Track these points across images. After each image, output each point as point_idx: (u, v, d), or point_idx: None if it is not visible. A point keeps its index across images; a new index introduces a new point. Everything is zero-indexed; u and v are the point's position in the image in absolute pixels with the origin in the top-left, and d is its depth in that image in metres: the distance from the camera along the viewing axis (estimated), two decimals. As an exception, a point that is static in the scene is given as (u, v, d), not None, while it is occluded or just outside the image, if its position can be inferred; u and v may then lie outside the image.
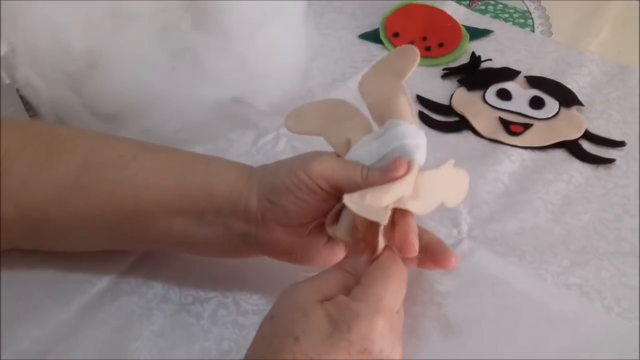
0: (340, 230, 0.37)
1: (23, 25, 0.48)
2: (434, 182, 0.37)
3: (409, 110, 0.38)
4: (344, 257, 0.37)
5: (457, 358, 0.40)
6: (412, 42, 0.65)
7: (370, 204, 0.34)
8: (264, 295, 0.43)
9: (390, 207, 0.35)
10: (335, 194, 0.37)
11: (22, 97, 0.50)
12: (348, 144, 0.38)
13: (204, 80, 0.52)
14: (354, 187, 0.36)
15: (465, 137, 0.56)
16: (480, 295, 0.43)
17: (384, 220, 0.33)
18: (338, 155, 0.39)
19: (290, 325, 0.32)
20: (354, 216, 0.36)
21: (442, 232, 0.47)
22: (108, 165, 0.40)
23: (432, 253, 0.38)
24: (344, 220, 0.37)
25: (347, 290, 0.34)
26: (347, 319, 0.32)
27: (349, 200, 0.33)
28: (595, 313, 0.43)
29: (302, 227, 0.38)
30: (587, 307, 0.43)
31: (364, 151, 0.37)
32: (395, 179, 0.35)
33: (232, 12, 0.51)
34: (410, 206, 0.35)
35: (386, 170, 0.35)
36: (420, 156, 0.37)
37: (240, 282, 0.44)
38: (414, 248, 0.35)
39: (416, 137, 0.37)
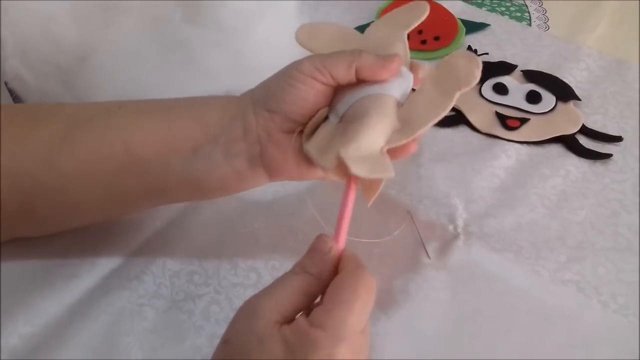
0: (312, 146, 0.37)
1: (12, 17, 0.47)
2: (419, 103, 0.38)
3: (403, 54, 0.39)
4: (307, 255, 0.34)
5: (453, 354, 0.40)
6: (407, 36, 0.64)
7: (367, 153, 0.34)
8: (256, 291, 0.43)
9: (385, 149, 0.35)
10: (330, 83, 0.37)
11: (10, 91, 0.49)
12: None
13: (197, 74, 0.51)
14: (345, 68, 0.37)
15: (461, 131, 0.56)
16: (476, 291, 0.43)
17: (391, 173, 0.34)
18: None
19: (246, 352, 0.30)
20: (331, 140, 0.37)
21: (438, 228, 0.47)
22: (93, 119, 0.39)
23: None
24: (318, 137, 0.37)
25: (310, 298, 0.33)
26: (305, 349, 0.30)
27: (345, 153, 0.34)
28: (592, 309, 0.43)
29: None
30: (584, 303, 0.43)
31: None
32: (385, 71, 0.37)
33: (227, 5, 0.51)
34: (403, 139, 0.36)
35: (380, 59, 0.37)
36: (403, 94, 0.38)
37: (233, 278, 0.43)
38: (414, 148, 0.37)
39: (405, 79, 0.38)
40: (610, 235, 0.47)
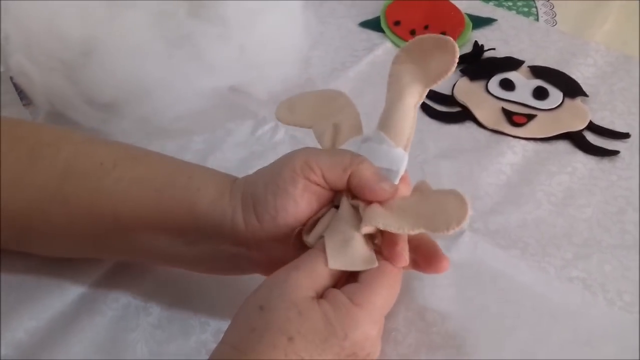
0: (313, 237, 0.35)
1: (17, 12, 0.47)
2: (409, 207, 0.34)
3: (408, 133, 0.35)
4: None
5: (459, 351, 0.40)
6: (413, 31, 0.64)
7: (350, 250, 0.33)
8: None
9: (364, 231, 0.33)
10: (322, 185, 0.35)
11: (16, 86, 0.49)
12: (333, 138, 0.37)
13: (201, 69, 0.51)
14: (340, 174, 0.34)
15: (468, 127, 0.55)
16: (481, 288, 0.43)
17: (372, 264, 0.33)
18: None
19: (285, 323, 0.31)
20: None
21: (443, 224, 0.47)
22: (88, 174, 0.38)
23: (423, 255, 0.36)
24: (320, 228, 0.35)
25: (336, 275, 0.33)
26: (345, 326, 0.31)
27: (332, 260, 0.33)
28: (598, 307, 0.42)
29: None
30: (590, 300, 0.43)
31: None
32: (377, 196, 0.34)
33: (231, 0, 0.51)
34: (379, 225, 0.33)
35: (378, 180, 0.34)
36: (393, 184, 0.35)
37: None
38: (404, 258, 0.34)
39: (399, 164, 0.35)
40: (617, 233, 0.47)
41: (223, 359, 0.31)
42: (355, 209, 0.35)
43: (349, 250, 0.33)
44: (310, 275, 0.33)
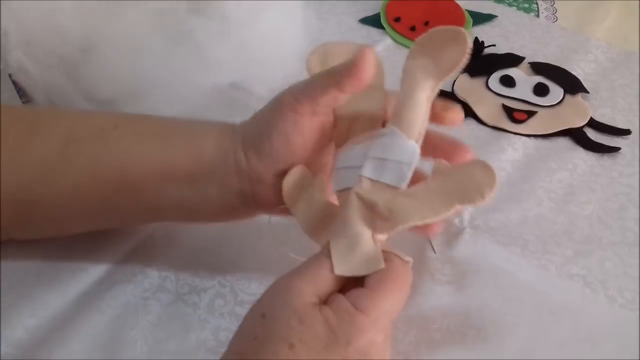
0: (302, 216, 0.36)
1: (16, 8, 0.47)
2: (413, 194, 0.34)
3: (420, 126, 0.35)
4: None
5: (459, 348, 0.40)
6: (413, 27, 0.64)
7: (355, 245, 0.33)
8: (261, 285, 0.43)
9: (378, 238, 0.33)
10: (314, 112, 0.35)
11: (15, 83, 0.49)
12: (350, 126, 0.37)
13: (201, 66, 0.51)
14: (322, 89, 0.34)
15: (468, 124, 0.55)
16: (482, 285, 0.43)
17: (378, 266, 0.32)
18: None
19: (286, 331, 0.30)
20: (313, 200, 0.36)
21: (443, 221, 0.46)
22: (90, 138, 0.39)
23: (444, 152, 0.36)
24: (309, 208, 0.36)
25: (341, 280, 0.33)
26: (348, 334, 0.30)
27: (332, 246, 0.33)
28: (598, 304, 0.42)
29: None
30: (590, 297, 0.43)
31: (359, 148, 0.36)
32: (361, 73, 0.33)
33: (231, -4, 0.50)
34: (384, 231, 0.33)
35: (351, 63, 0.33)
36: (400, 176, 0.34)
37: (238, 272, 0.43)
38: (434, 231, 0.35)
39: (411, 158, 0.34)
40: (618, 230, 0.47)
41: None
42: (369, 206, 0.34)
43: (356, 254, 0.33)
44: (313, 282, 0.32)
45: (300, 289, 0.32)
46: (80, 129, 0.39)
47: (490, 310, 0.41)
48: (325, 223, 0.36)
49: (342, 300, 0.31)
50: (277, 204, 0.37)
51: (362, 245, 0.33)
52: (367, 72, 0.34)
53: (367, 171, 0.35)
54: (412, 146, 0.34)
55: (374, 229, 0.33)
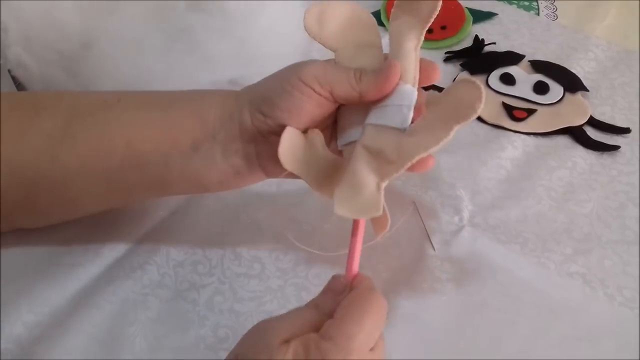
0: (308, 174, 0.36)
1: (15, 3, 0.46)
2: (414, 132, 0.35)
3: (413, 71, 0.37)
4: (321, 294, 0.34)
5: (458, 346, 0.40)
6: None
7: (360, 190, 0.33)
8: (260, 281, 0.43)
9: (382, 184, 0.34)
10: (328, 98, 0.36)
11: (14, 78, 0.49)
12: None
13: (200, 62, 0.51)
14: (347, 90, 0.36)
15: (468, 122, 0.55)
16: (481, 283, 0.43)
17: (377, 212, 0.33)
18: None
19: None
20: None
21: (443, 219, 0.47)
22: (93, 112, 0.39)
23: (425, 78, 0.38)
24: (315, 165, 0.36)
25: (319, 328, 0.32)
26: None
27: (336, 193, 0.34)
28: (598, 302, 0.42)
29: None
30: (590, 296, 0.43)
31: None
32: (389, 86, 0.36)
33: (231, -8, 0.50)
34: (394, 172, 0.34)
35: (380, 75, 0.36)
36: (403, 119, 0.36)
37: (237, 269, 0.43)
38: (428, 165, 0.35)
39: (409, 98, 0.36)
40: (617, 228, 0.47)
41: None
42: (375, 154, 0.35)
43: (358, 199, 0.34)
44: (290, 322, 0.32)
45: (276, 328, 0.31)
46: (84, 104, 0.39)
47: (490, 308, 0.41)
48: (333, 177, 0.36)
49: (311, 335, 0.31)
50: (279, 162, 0.37)
51: (365, 191, 0.34)
52: (393, 86, 0.36)
53: (371, 119, 0.36)
54: (409, 89, 0.36)
55: (380, 177, 0.34)
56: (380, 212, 0.33)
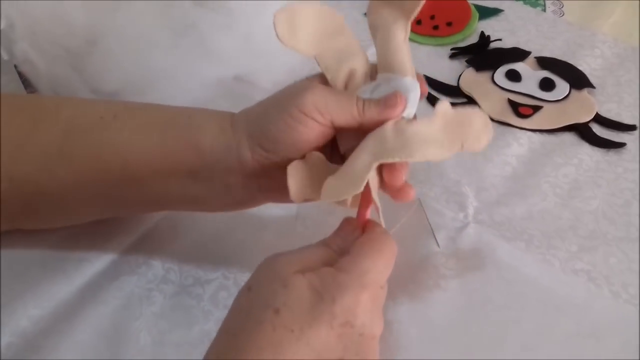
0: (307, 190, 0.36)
1: (22, -1, 0.47)
2: (425, 132, 0.35)
3: (408, 61, 0.37)
4: (332, 234, 0.36)
5: (462, 342, 0.39)
6: (419, 21, 0.63)
7: (345, 179, 0.34)
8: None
9: (374, 164, 0.34)
10: (329, 127, 0.36)
11: (20, 74, 0.49)
12: (346, 80, 0.38)
13: (206, 58, 0.51)
14: (349, 121, 0.35)
15: (473, 119, 0.55)
16: (486, 280, 0.43)
17: (356, 189, 0.33)
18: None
19: (270, 296, 0.31)
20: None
21: (448, 216, 0.46)
22: (90, 129, 0.38)
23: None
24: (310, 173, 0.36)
25: (331, 262, 0.33)
26: (331, 291, 0.31)
27: (324, 194, 0.34)
28: (603, 299, 0.42)
29: None
30: (595, 293, 0.42)
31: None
32: (393, 116, 0.35)
33: (236, -11, 0.50)
34: (396, 158, 0.34)
35: (384, 105, 0.35)
36: (411, 109, 0.36)
37: (242, 264, 0.43)
38: (409, 195, 0.35)
39: (412, 91, 0.36)
40: (623, 225, 0.47)
41: (218, 345, 0.32)
42: (379, 141, 0.35)
43: (344, 179, 0.34)
44: (300, 257, 0.33)
45: (286, 260, 0.32)
46: (80, 119, 0.39)
47: (494, 305, 0.41)
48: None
49: (325, 267, 0.32)
50: (283, 192, 0.36)
51: (352, 169, 0.34)
52: (397, 116, 0.35)
53: None
54: (409, 81, 0.36)
55: (375, 156, 0.34)
56: (361, 189, 0.33)
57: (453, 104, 0.55)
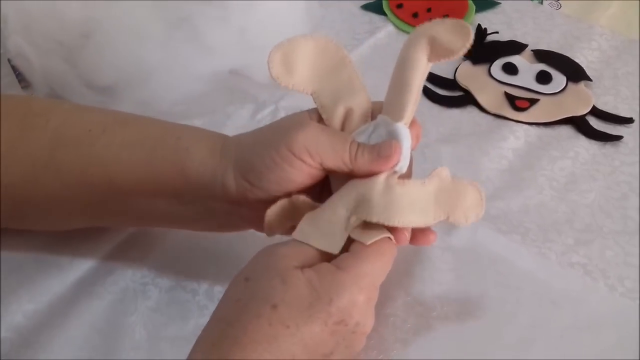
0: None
1: (15, -8, 0.46)
2: (413, 195, 0.33)
3: (411, 110, 0.34)
4: None
5: (458, 336, 0.39)
6: (416, 14, 0.63)
7: (322, 227, 0.33)
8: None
9: (353, 221, 0.33)
10: (318, 169, 0.34)
11: (14, 68, 0.49)
12: (343, 120, 0.36)
13: (201, 52, 0.51)
14: (340, 166, 0.34)
15: (470, 112, 0.55)
16: (482, 273, 0.43)
17: (332, 249, 0.33)
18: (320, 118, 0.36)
19: (268, 291, 0.31)
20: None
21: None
22: (78, 141, 0.38)
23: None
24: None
25: (324, 259, 0.33)
26: (329, 291, 0.31)
27: (297, 234, 0.33)
28: (599, 292, 0.42)
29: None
30: (591, 286, 0.42)
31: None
32: (386, 167, 0.33)
33: (231, -18, 0.50)
34: (374, 219, 0.33)
35: (377, 154, 0.33)
36: (404, 161, 0.34)
37: (237, 258, 0.43)
38: (427, 240, 0.35)
39: (405, 139, 0.34)
40: (619, 219, 0.47)
41: (211, 332, 0.31)
42: (361, 199, 0.33)
43: (321, 226, 0.33)
44: (298, 250, 0.33)
45: (285, 254, 0.32)
46: (69, 130, 0.38)
47: (490, 299, 0.41)
48: None
49: (324, 264, 0.32)
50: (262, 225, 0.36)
51: (331, 221, 0.33)
52: (391, 167, 0.34)
53: None
54: (401, 128, 0.34)
55: (355, 213, 0.33)
56: (337, 250, 0.33)
57: (449, 97, 0.56)
